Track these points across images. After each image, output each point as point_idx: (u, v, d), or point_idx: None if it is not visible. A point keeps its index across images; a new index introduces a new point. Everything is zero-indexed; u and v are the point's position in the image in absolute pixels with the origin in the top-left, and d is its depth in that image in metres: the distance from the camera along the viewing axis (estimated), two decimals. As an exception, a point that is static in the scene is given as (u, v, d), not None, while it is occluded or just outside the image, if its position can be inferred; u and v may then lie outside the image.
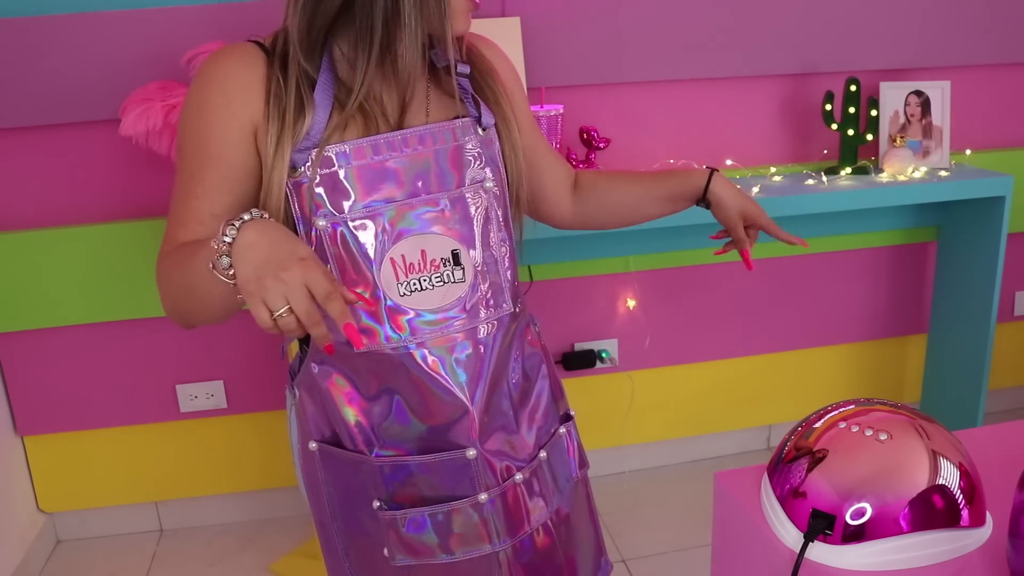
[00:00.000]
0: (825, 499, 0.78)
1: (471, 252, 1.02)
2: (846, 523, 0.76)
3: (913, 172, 2.21)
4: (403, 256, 0.98)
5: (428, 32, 0.97)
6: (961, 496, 0.77)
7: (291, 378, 1.11)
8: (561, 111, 2.05)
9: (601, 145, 2.11)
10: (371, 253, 0.97)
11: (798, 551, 0.78)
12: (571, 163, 2.10)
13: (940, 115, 2.25)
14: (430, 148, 1.00)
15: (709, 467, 2.52)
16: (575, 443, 1.20)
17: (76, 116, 1.98)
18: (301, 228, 0.98)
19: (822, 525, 0.77)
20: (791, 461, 0.82)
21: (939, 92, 2.25)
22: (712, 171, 1.24)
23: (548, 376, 1.16)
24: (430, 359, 1.01)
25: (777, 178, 2.23)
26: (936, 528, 0.76)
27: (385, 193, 0.98)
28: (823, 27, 2.23)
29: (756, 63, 2.24)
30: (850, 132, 2.22)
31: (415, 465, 1.04)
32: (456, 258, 1.01)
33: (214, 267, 0.81)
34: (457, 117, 1.03)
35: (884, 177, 2.20)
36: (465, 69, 1.04)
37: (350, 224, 0.96)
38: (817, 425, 0.83)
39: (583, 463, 1.21)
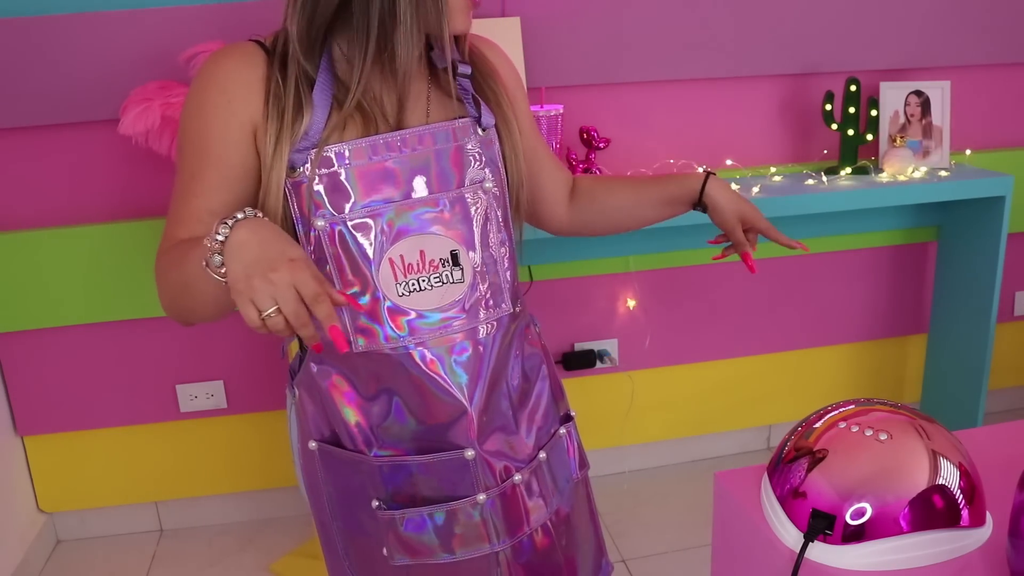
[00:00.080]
0: (825, 499, 0.77)
1: (470, 253, 1.02)
2: (846, 523, 0.76)
3: (913, 172, 2.21)
4: (402, 256, 0.98)
5: (426, 31, 0.97)
6: (961, 496, 0.77)
7: (291, 378, 1.11)
8: (561, 111, 2.05)
9: (601, 145, 2.11)
10: (370, 253, 0.97)
11: (798, 551, 0.78)
12: (571, 163, 2.11)
13: (940, 115, 2.25)
14: (430, 148, 1.00)
15: (709, 467, 2.52)
16: (575, 444, 1.20)
17: (76, 116, 1.98)
18: (300, 228, 0.98)
19: (822, 525, 0.77)
20: (791, 461, 0.82)
21: (939, 92, 2.25)
22: (708, 174, 1.23)
23: (548, 376, 1.16)
24: (429, 359, 1.01)
25: (777, 178, 2.23)
26: (936, 528, 0.76)
27: (384, 193, 0.98)
28: (823, 27, 2.23)
29: (756, 63, 2.24)
30: (850, 132, 2.22)
31: (414, 465, 1.04)
32: (455, 258, 1.01)
33: (207, 265, 0.81)
34: (458, 118, 1.03)
35: (884, 177, 2.20)
36: (466, 70, 1.04)
37: (349, 224, 0.96)
38: (817, 425, 0.83)
39: (583, 464, 1.21)
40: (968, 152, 2.39)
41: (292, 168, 0.95)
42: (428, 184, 1.00)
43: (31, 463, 2.24)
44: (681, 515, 2.31)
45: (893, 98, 2.25)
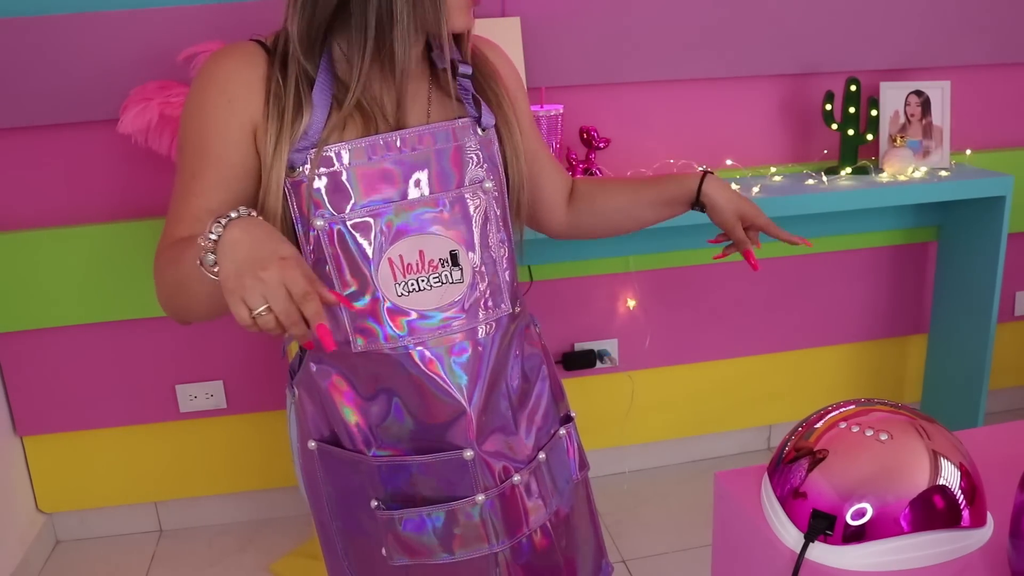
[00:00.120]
0: (826, 499, 0.77)
1: (469, 253, 1.02)
2: (846, 523, 0.76)
3: (913, 172, 2.21)
4: (401, 256, 0.98)
5: (424, 30, 0.97)
6: (962, 496, 0.77)
7: (291, 377, 1.11)
8: (561, 111, 2.05)
9: (601, 145, 2.11)
10: (369, 253, 0.97)
11: (798, 551, 0.77)
12: (571, 163, 2.11)
13: (940, 115, 2.25)
14: (430, 148, 1.00)
15: (709, 467, 2.52)
16: (575, 445, 1.19)
17: (76, 116, 1.98)
18: (299, 228, 0.98)
19: (822, 525, 0.77)
20: (791, 461, 0.82)
21: (939, 92, 2.25)
22: (706, 173, 1.22)
23: (548, 377, 1.16)
24: (428, 359, 1.01)
25: (777, 178, 2.23)
26: (937, 528, 0.76)
27: (384, 193, 0.98)
28: (823, 27, 2.23)
29: (756, 63, 2.24)
30: (850, 132, 2.22)
31: (413, 465, 1.04)
32: (454, 259, 1.01)
33: (201, 263, 0.81)
34: (458, 118, 1.03)
35: (884, 177, 2.20)
36: (467, 70, 1.04)
37: (348, 224, 0.96)
38: (817, 425, 0.83)
39: (583, 465, 1.20)
40: (968, 152, 2.39)
41: (292, 168, 0.95)
42: (428, 184, 1.00)
43: (30, 463, 2.24)
44: (681, 515, 2.31)
45: (893, 98, 2.25)
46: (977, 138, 2.43)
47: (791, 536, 0.80)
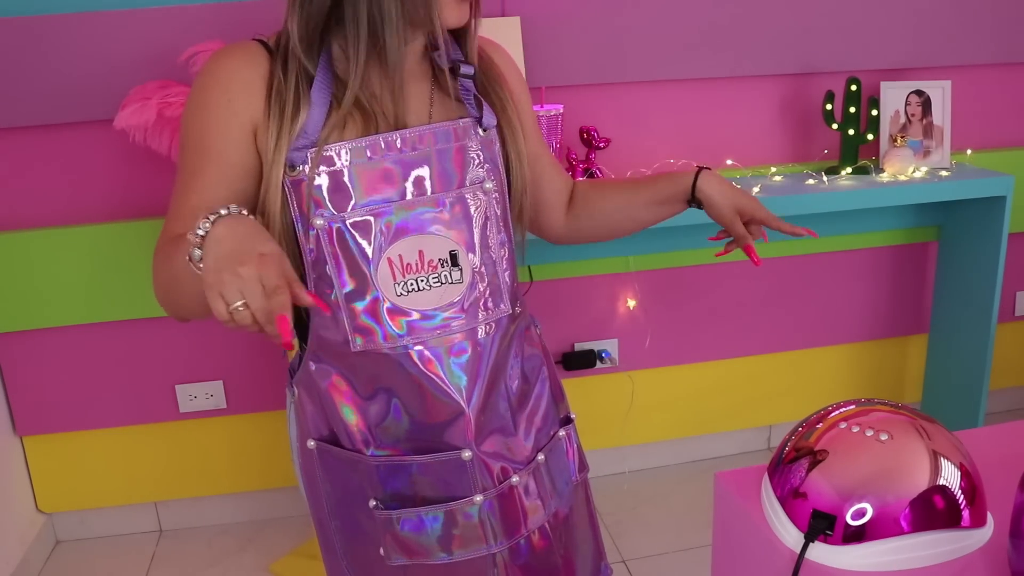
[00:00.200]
0: (826, 499, 0.77)
1: (469, 253, 1.02)
2: (847, 523, 0.76)
3: (914, 172, 2.21)
4: (400, 256, 0.98)
5: (417, 26, 0.97)
6: (962, 496, 0.77)
7: (290, 377, 1.11)
8: (561, 111, 2.05)
9: (601, 145, 2.11)
10: (368, 253, 0.97)
11: (799, 551, 0.77)
12: (571, 163, 2.10)
13: (941, 115, 2.25)
14: (431, 148, 1.00)
15: (709, 467, 2.52)
16: (575, 446, 1.19)
17: (76, 115, 1.98)
18: (299, 227, 0.98)
19: (823, 525, 0.77)
20: (792, 461, 0.82)
21: (940, 92, 2.25)
22: (700, 169, 1.19)
23: (548, 378, 1.15)
24: (427, 359, 1.01)
25: (777, 178, 2.23)
26: (937, 528, 0.76)
27: (384, 193, 0.98)
28: (823, 27, 2.23)
29: (756, 63, 2.24)
30: (851, 132, 2.21)
31: (411, 465, 1.04)
32: (454, 259, 1.01)
33: (190, 259, 0.81)
34: (460, 118, 1.03)
35: (885, 177, 2.20)
36: (469, 70, 1.04)
37: (348, 223, 0.96)
38: (818, 425, 0.83)
39: (583, 466, 1.20)
40: (969, 152, 2.39)
41: (292, 167, 0.96)
42: (428, 184, 1.00)
43: (30, 463, 2.24)
44: (681, 515, 2.31)
45: (894, 98, 2.25)
46: (977, 138, 2.43)
47: (791, 536, 0.80)
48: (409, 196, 0.99)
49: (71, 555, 2.28)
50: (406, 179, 0.99)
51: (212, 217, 0.81)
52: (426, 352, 1.01)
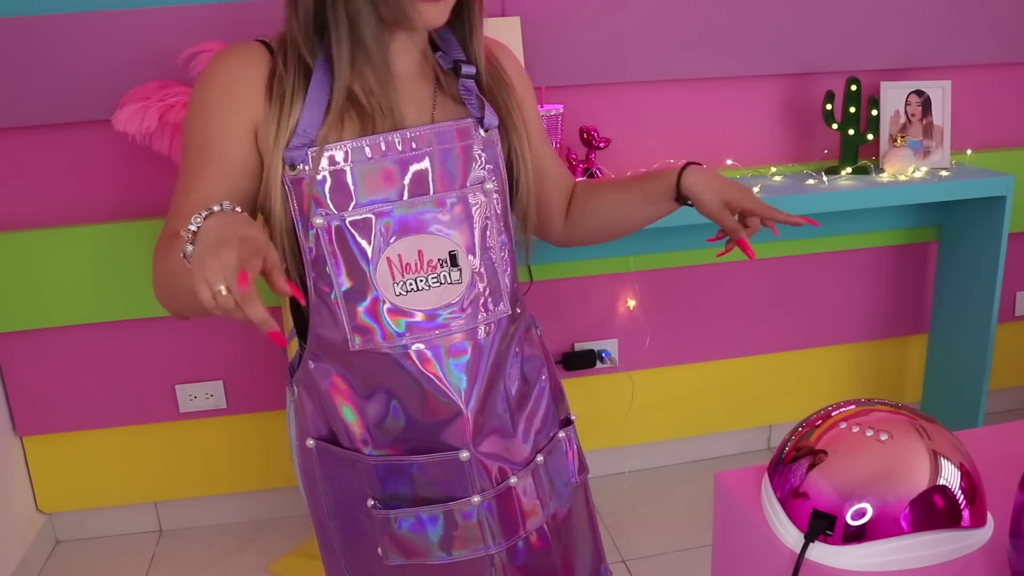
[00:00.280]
0: (826, 499, 0.77)
1: (469, 254, 1.02)
2: (847, 523, 0.76)
3: (914, 172, 2.21)
4: (400, 256, 0.98)
5: (394, 25, 0.97)
6: (962, 496, 0.77)
7: (290, 375, 1.11)
8: (561, 111, 2.05)
9: (601, 145, 2.11)
10: (368, 252, 0.97)
11: (799, 551, 0.77)
12: (571, 163, 2.10)
13: (941, 115, 2.25)
14: (433, 148, 1.00)
15: (709, 467, 2.52)
16: (575, 448, 1.19)
17: (76, 115, 1.98)
18: (300, 226, 0.98)
19: (823, 525, 0.77)
20: (792, 461, 0.82)
21: (940, 92, 2.25)
22: (687, 165, 1.14)
23: (549, 380, 1.15)
24: (426, 360, 1.01)
25: (777, 178, 2.23)
26: (937, 528, 0.76)
27: (384, 192, 0.98)
28: (823, 27, 2.23)
29: (756, 63, 2.24)
30: (851, 132, 2.21)
31: (409, 465, 1.04)
32: (453, 259, 1.01)
33: (184, 256, 0.81)
34: (462, 119, 1.03)
35: (885, 177, 2.20)
36: (470, 70, 1.04)
37: (347, 222, 0.96)
38: (818, 425, 0.83)
39: (583, 468, 1.20)
40: (969, 152, 2.38)
41: (292, 166, 0.96)
42: (429, 184, 1.00)
43: (30, 463, 2.24)
44: (681, 515, 2.31)
45: (894, 98, 2.25)
46: (977, 138, 2.43)
47: (791, 536, 0.80)
48: (410, 196, 0.99)
49: (71, 555, 2.28)
50: (407, 179, 0.99)
51: (205, 213, 0.81)
52: (425, 352, 1.01)
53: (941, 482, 0.76)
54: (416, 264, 0.99)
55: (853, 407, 0.84)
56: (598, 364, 2.38)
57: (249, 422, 2.28)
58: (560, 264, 2.29)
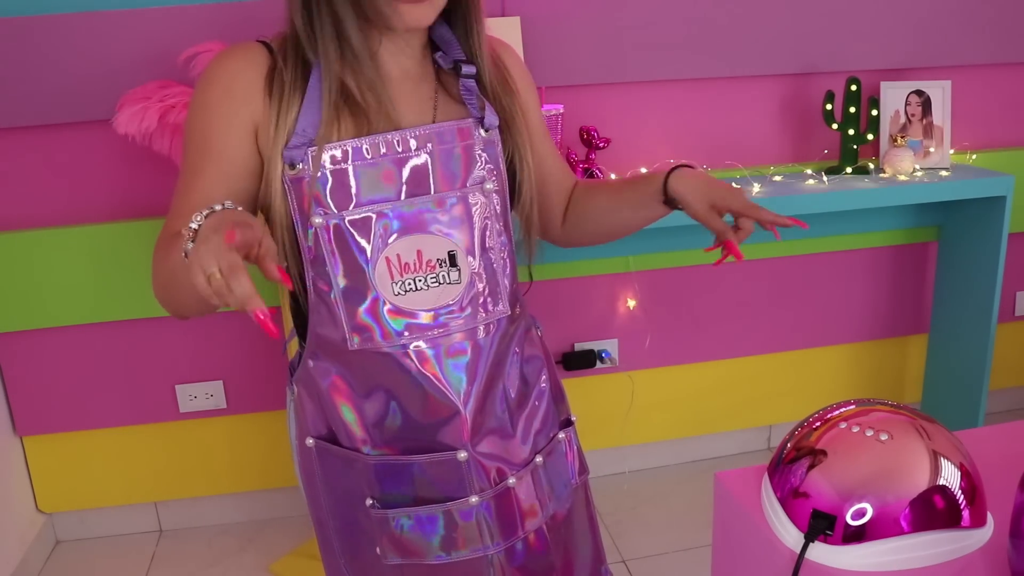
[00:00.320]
0: (826, 499, 0.77)
1: (468, 254, 1.02)
2: (847, 523, 0.76)
3: (914, 172, 2.21)
4: (398, 256, 0.98)
5: (376, 26, 0.97)
6: (962, 496, 0.77)
7: (290, 375, 1.11)
8: (561, 111, 2.05)
9: (601, 145, 2.11)
10: (367, 251, 0.97)
11: (799, 551, 0.77)
12: (571, 163, 2.10)
13: (941, 115, 2.25)
14: (433, 148, 1.00)
15: (709, 467, 2.52)
16: (575, 449, 1.18)
17: (76, 115, 1.98)
18: (299, 225, 0.98)
19: (823, 525, 0.77)
20: (792, 461, 0.82)
21: (940, 92, 2.25)
22: (674, 168, 1.11)
23: (549, 380, 1.15)
24: (425, 359, 1.01)
25: (777, 178, 2.23)
26: (937, 528, 0.76)
27: (384, 192, 0.98)
28: (823, 27, 2.23)
29: (756, 63, 2.24)
30: (851, 132, 2.21)
31: (407, 465, 1.04)
32: (452, 259, 1.01)
33: (185, 254, 0.81)
34: (463, 119, 1.03)
35: (885, 177, 2.20)
36: (471, 70, 1.04)
37: (347, 221, 0.96)
38: (818, 425, 0.83)
39: (583, 469, 1.19)
40: (969, 152, 2.38)
41: (292, 165, 0.96)
42: (430, 184, 1.00)
43: (30, 463, 2.24)
44: (681, 515, 2.31)
45: (894, 98, 2.25)
46: (977, 138, 2.43)
47: (791, 536, 0.80)
48: (410, 196, 0.99)
49: (71, 555, 2.28)
50: (407, 178, 0.99)
51: (205, 213, 0.81)
52: (424, 351, 1.01)
53: (941, 482, 0.76)
54: (415, 264, 0.99)
55: (853, 407, 0.83)
56: (598, 364, 2.38)
57: (249, 422, 2.28)
58: (560, 264, 2.29)
